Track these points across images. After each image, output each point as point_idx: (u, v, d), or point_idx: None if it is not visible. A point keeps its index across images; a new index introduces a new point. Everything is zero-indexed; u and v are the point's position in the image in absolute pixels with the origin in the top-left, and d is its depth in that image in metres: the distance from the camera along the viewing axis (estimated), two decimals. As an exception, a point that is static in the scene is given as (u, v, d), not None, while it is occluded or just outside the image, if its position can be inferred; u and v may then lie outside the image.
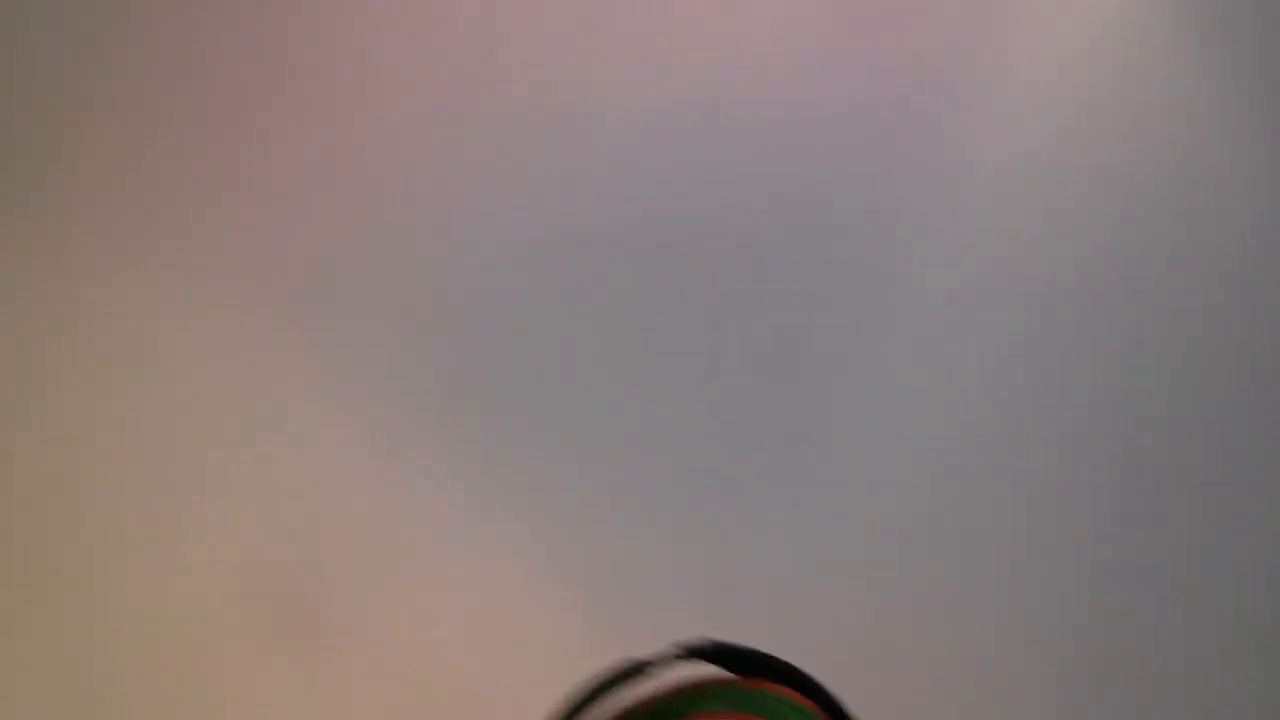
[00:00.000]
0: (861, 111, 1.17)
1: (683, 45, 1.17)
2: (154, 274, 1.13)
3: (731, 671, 0.96)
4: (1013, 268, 1.16)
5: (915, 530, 1.14)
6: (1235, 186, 1.18)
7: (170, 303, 1.12)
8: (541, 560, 1.12)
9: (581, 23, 1.16)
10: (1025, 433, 1.15)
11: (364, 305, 1.13)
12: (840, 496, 1.14)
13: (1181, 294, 1.17)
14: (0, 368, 1.11)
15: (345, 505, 1.11)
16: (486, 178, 1.15)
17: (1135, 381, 1.16)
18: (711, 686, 0.96)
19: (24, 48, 1.14)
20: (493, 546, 1.12)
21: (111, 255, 1.13)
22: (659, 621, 1.12)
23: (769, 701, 0.95)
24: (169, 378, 1.12)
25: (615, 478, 1.13)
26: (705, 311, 1.15)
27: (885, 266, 1.16)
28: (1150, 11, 1.18)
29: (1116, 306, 1.17)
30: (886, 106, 1.17)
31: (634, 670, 0.95)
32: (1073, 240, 1.17)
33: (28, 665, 1.09)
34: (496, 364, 1.13)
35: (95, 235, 1.13)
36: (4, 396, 1.11)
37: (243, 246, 1.13)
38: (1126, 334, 1.17)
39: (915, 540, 1.14)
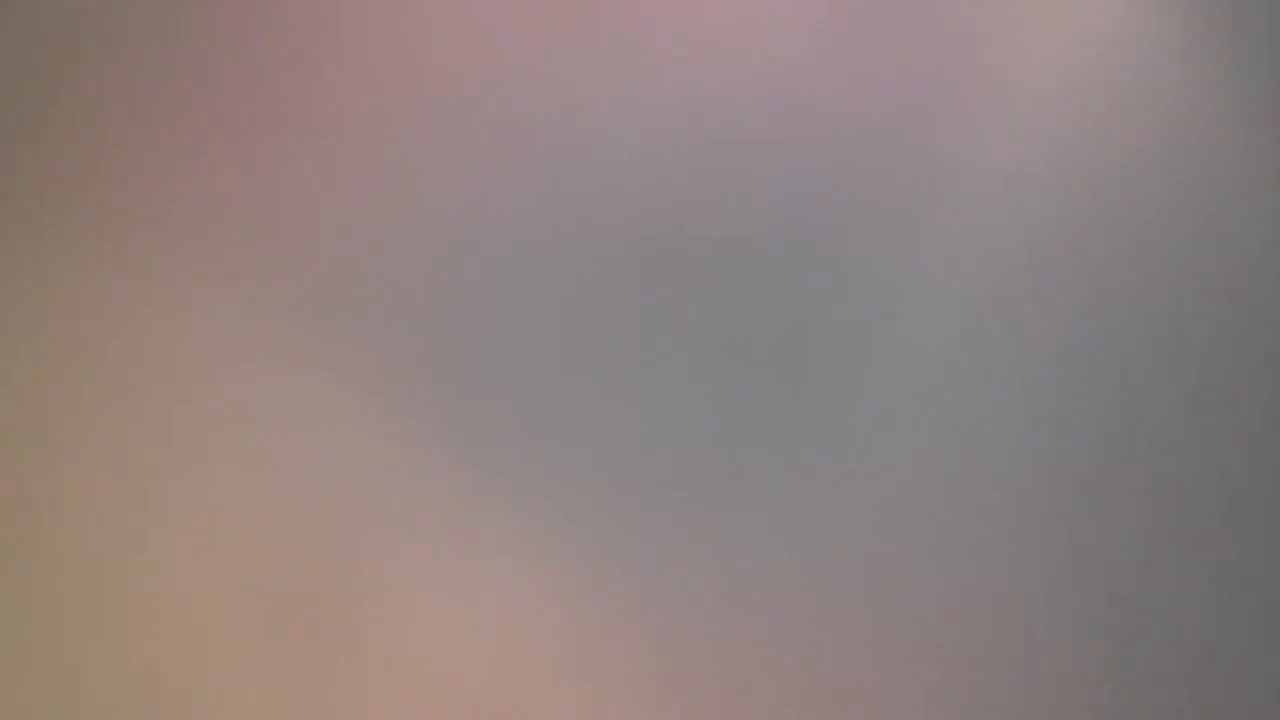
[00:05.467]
0: (864, 111, 1.17)
1: (685, 46, 1.17)
2: (153, 273, 1.13)
3: None
4: (1016, 271, 1.16)
5: (921, 531, 1.14)
6: (1243, 193, 1.18)
7: (170, 302, 1.13)
8: (547, 561, 1.12)
9: (582, 25, 1.16)
10: (1029, 434, 1.15)
11: (367, 306, 1.13)
12: (851, 497, 1.14)
13: (1185, 297, 1.17)
14: (0, 366, 1.11)
15: (347, 507, 1.12)
16: (489, 178, 1.15)
17: (1137, 383, 1.16)
18: None
19: (28, 47, 1.14)
20: (497, 547, 1.12)
21: (105, 250, 1.13)
22: (664, 621, 1.12)
23: None
24: (169, 377, 1.12)
25: (624, 477, 1.13)
26: (715, 311, 1.15)
27: (887, 268, 1.16)
28: (1155, 21, 1.18)
29: (1121, 309, 1.17)
30: (889, 106, 1.17)
31: None
32: (1074, 243, 1.17)
33: (25, 666, 1.09)
34: (502, 363, 1.13)
35: (95, 233, 1.13)
36: (3, 395, 1.11)
37: (244, 246, 1.13)
38: (1129, 336, 1.17)
39: (918, 542, 1.14)
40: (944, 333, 1.16)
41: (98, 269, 1.12)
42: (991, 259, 1.17)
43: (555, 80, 1.16)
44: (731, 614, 1.13)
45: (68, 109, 1.14)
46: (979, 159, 1.17)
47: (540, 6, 1.16)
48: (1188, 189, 1.18)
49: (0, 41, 1.14)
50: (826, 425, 1.15)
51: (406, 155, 1.15)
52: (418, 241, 1.14)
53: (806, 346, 1.15)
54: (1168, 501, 1.16)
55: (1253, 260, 1.18)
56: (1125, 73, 1.18)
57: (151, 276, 1.13)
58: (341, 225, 1.14)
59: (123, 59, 1.14)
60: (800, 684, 1.13)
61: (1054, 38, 1.18)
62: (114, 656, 1.09)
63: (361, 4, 1.16)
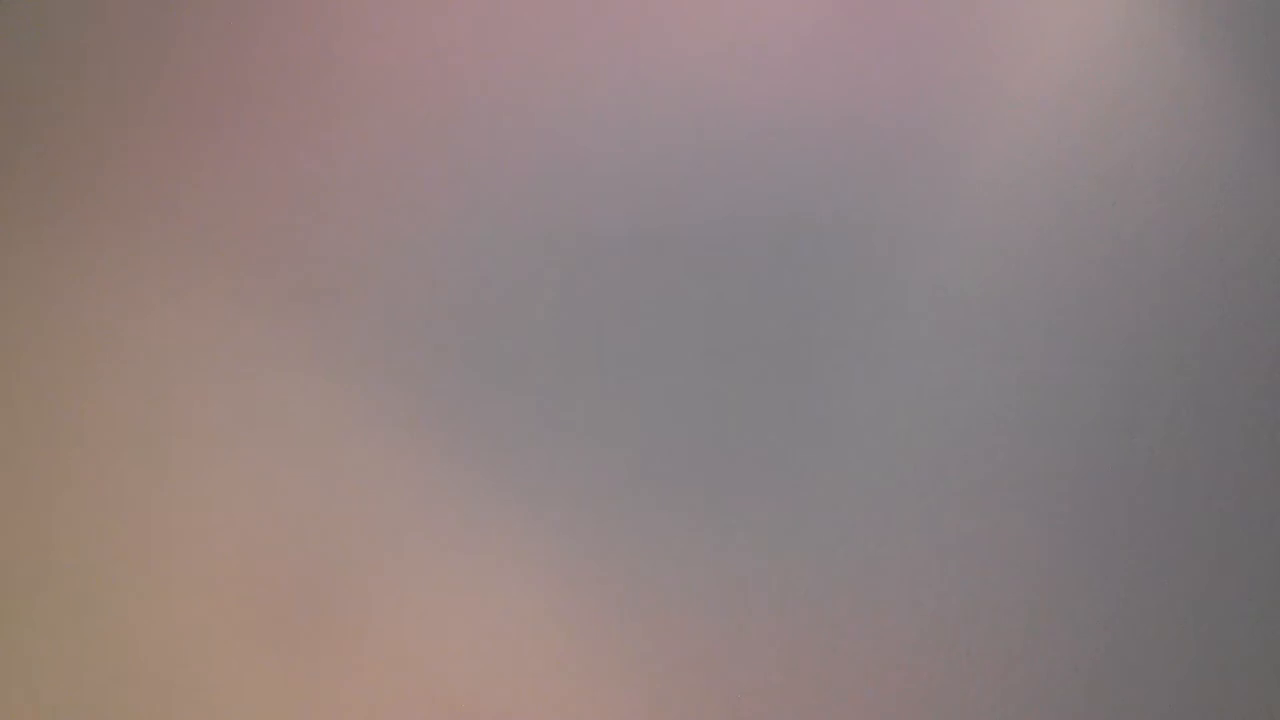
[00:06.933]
0: (867, 114, 1.17)
1: (684, 47, 1.17)
2: (153, 272, 1.13)
3: None
4: (1016, 270, 1.16)
5: (920, 532, 1.14)
6: (1243, 192, 1.18)
7: (171, 300, 1.13)
8: (546, 561, 1.12)
9: (583, 23, 1.16)
10: (1029, 434, 1.15)
11: (368, 304, 1.13)
12: (850, 497, 1.14)
13: (1184, 298, 1.17)
14: (0, 364, 1.11)
15: (348, 505, 1.11)
16: (487, 179, 1.15)
17: (1138, 383, 1.16)
18: None
19: (27, 46, 1.14)
20: (496, 547, 1.12)
21: (106, 250, 1.13)
22: (663, 622, 1.12)
23: None
24: (169, 376, 1.12)
25: (621, 479, 1.13)
26: (714, 312, 1.15)
27: (888, 269, 1.16)
28: (1157, 19, 1.18)
29: (1121, 309, 1.17)
30: (890, 105, 1.17)
31: None
32: (1075, 243, 1.17)
33: (26, 665, 1.09)
34: (501, 365, 1.13)
35: (96, 231, 1.13)
36: (3, 394, 1.11)
37: (245, 244, 1.13)
38: (1130, 336, 1.17)
39: (919, 542, 1.14)
40: (944, 333, 1.16)
41: (99, 271, 1.12)
42: (992, 259, 1.16)
43: (554, 81, 1.16)
44: (732, 614, 1.13)
45: (71, 109, 1.14)
46: (979, 159, 1.17)
47: (540, 6, 1.16)
48: (1188, 188, 1.18)
49: (2, 41, 1.14)
50: (826, 425, 1.15)
51: (409, 158, 1.15)
52: (419, 243, 1.14)
53: (807, 346, 1.15)
54: (1169, 502, 1.16)
55: (1253, 260, 1.18)
56: (1125, 73, 1.18)
57: (154, 278, 1.13)
58: (343, 227, 1.14)
59: (124, 59, 1.14)
60: (800, 684, 1.13)
61: (1054, 37, 1.18)
62: (114, 656, 1.09)
63: (361, 5, 1.16)
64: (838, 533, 1.14)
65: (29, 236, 1.13)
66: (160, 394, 1.12)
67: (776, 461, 1.14)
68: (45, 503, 1.10)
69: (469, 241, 1.14)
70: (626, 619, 1.12)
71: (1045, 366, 1.16)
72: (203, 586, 1.10)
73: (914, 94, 1.17)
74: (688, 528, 1.13)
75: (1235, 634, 1.15)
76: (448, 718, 1.11)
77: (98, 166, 1.14)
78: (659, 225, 1.15)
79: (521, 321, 1.14)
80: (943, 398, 1.15)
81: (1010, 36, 1.18)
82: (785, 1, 1.18)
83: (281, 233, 1.13)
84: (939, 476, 1.15)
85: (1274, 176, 1.18)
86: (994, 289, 1.16)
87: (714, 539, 1.13)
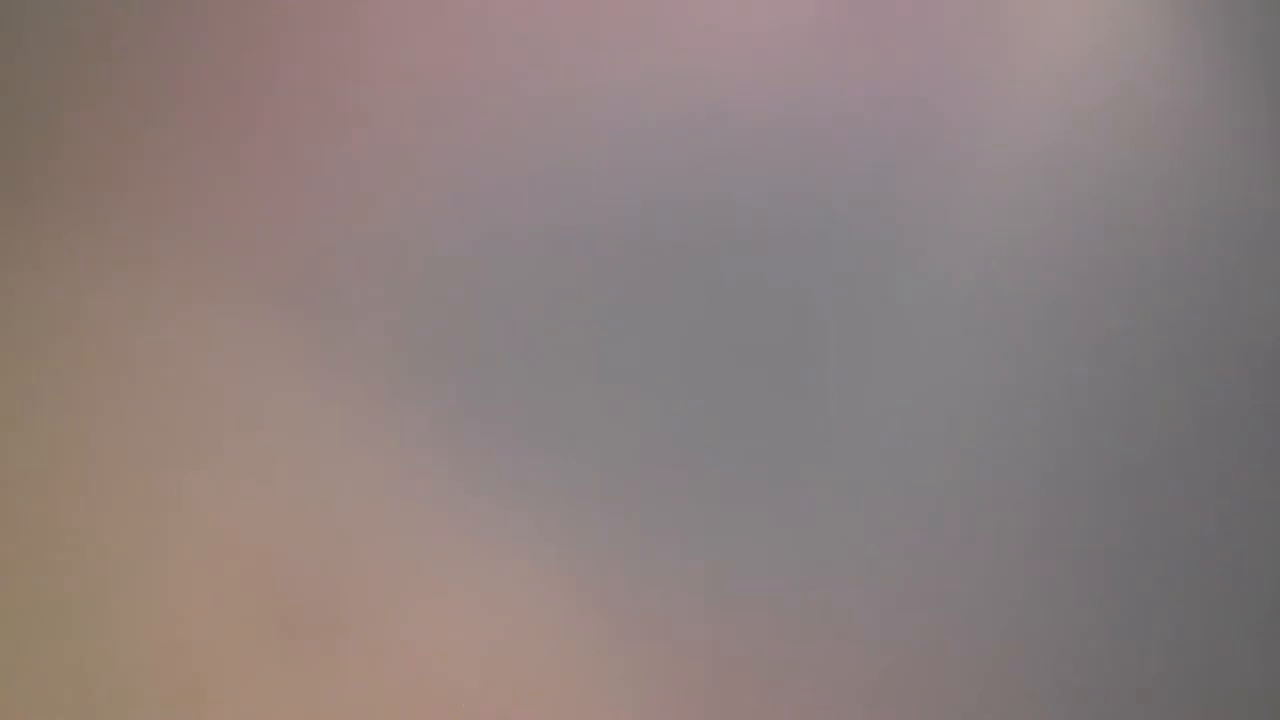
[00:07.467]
0: (865, 112, 1.17)
1: (684, 44, 1.17)
2: (152, 273, 1.13)
3: None
4: (1017, 268, 1.16)
5: (921, 530, 1.14)
6: (1238, 188, 1.18)
7: (170, 301, 1.13)
8: (545, 561, 1.12)
9: (581, 22, 1.16)
10: (1031, 432, 1.15)
11: (366, 305, 1.13)
12: (846, 496, 1.14)
13: (1185, 295, 1.17)
14: (6, 369, 1.11)
15: (348, 506, 1.11)
16: (486, 179, 1.15)
17: (1139, 381, 1.16)
18: None
19: (25, 46, 1.14)
20: (495, 547, 1.12)
21: (109, 253, 1.13)
22: (663, 621, 1.12)
23: None
24: (169, 377, 1.12)
25: (620, 478, 1.13)
26: (712, 311, 1.15)
27: (890, 268, 1.16)
28: (1151, 13, 1.18)
29: (1121, 306, 1.17)
30: (890, 107, 1.17)
31: None
32: (1076, 241, 1.17)
33: (26, 666, 1.09)
34: (500, 364, 1.13)
35: (93, 233, 1.13)
36: (9, 397, 1.11)
37: (244, 245, 1.13)
38: (1131, 334, 1.17)
39: (921, 540, 1.14)
40: (944, 333, 1.16)
41: (104, 273, 1.12)
42: (996, 259, 1.16)
43: (554, 81, 1.16)
44: (731, 613, 1.13)
45: (76, 113, 1.14)
46: (982, 160, 1.17)
47: (540, 7, 1.16)
48: (1191, 190, 1.18)
49: (9, 45, 1.14)
50: (827, 426, 1.15)
51: (409, 161, 1.15)
52: (421, 247, 1.14)
53: (806, 347, 1.15)
54: (1169, 502, 1.16)
55: (1256, 261, 1.18)
56: (1125, 72, 1.18)
57: (157, 281, 1.13)
58: (344, 232, 1.14)
59: (126, 59, 1.14)
60: (800, 684, 1.13)
61: (1056, 40, 1.18)
62: (114, 656, 1.09)
63: (364, 8, 1.16)
64: (839, 532, 1.14)
65: (38, 244, 1.13)
66: (162, 396, 1.12)
67: (776, 461, 1.14)
68: (47, 504, 1.10)
69: (472, 249, 1.14)
70: (627, 619, 1.12)
71: (1044, 365, 1.16)
72: (203, 587, 1.10)
73: (913, 95, 1.17)
74: (687, 529, 1.13)
75: (1235, 634, 1.15)
76: (448, 718, 1.11)
77: (103, 171, 1.14)
78: (662, 229, 1.15)
79: (522, 322, 1.14)
80: (943, 398, 1.15)
81: (1010, 38, 1.18)
82: (785, 1, 1.18)
83: (284, 238, 1.13)
84: (939, 476, 1.15)
85: (1274, 176, 1.18)
86: (994, 289, 1.16)
87: (713, 539, 1.13)
